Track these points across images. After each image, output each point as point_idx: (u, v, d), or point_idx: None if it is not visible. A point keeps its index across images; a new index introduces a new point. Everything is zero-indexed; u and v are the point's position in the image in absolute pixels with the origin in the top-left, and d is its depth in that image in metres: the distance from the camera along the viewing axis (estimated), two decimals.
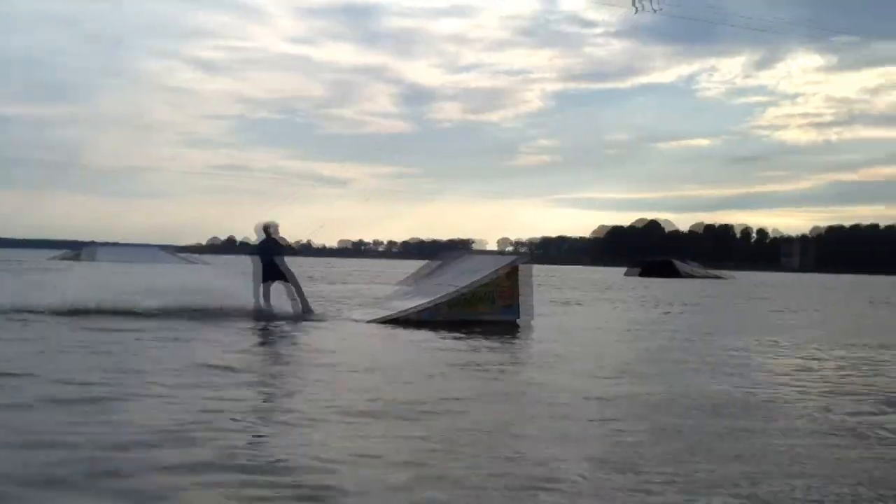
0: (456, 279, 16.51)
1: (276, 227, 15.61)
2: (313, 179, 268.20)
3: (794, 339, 14.50)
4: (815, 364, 10.79)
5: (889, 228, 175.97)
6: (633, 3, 24.86)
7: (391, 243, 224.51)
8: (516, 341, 13.63)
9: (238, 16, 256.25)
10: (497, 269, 16.00)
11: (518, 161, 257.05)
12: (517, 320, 15.66)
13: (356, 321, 14.96)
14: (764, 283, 61.91)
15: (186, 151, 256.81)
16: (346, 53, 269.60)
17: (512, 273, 16.00)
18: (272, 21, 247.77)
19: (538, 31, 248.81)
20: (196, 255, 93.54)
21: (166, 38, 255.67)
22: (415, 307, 15.41)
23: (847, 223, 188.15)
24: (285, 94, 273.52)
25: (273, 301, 15.37)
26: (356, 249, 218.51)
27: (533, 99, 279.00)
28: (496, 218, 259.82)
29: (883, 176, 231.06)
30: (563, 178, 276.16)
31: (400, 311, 15.26)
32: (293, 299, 15.50)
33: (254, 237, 16.24)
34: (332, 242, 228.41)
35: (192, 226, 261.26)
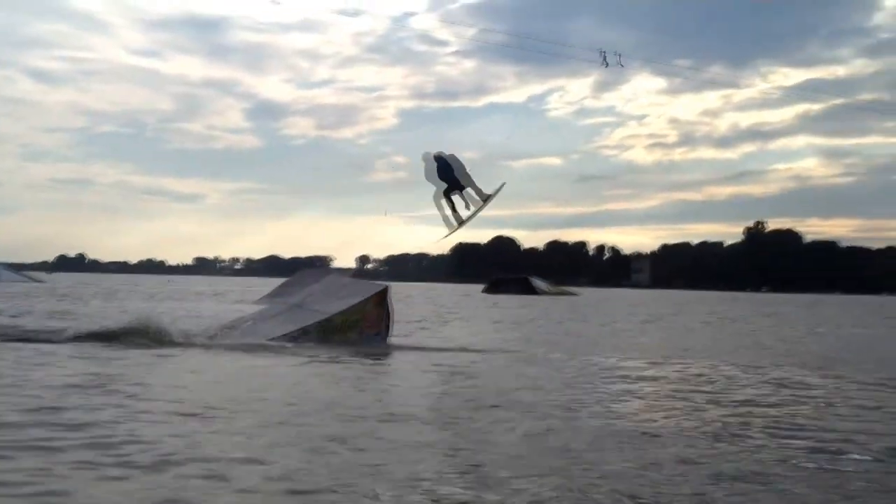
0: (322, 303, 16.59)
1: None
2: (161, 194, 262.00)
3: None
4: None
5: (732, 246, 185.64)
6: (604, 60, 27.33)
7: (248, 260, 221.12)
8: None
9: (77, 26, 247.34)
10: (366, 297, 16.20)
11: (373, 177, 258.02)
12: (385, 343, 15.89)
13: (211, 347, 14.30)
14: (607, 298, 64.76)
15: (28, 165, 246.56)
16: (194, 67, 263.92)
17: (380, 300, 16.25)
18: (115, 32, 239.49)
19: (390, 49, 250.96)
20: (42, 274, 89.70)
21: (2, 48, 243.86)
22: (285, 332, 15.26)
23: (694, 240, 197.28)
24: (131, 106, 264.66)
25: None
26: (211, 267, 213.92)
27: (386, 116, 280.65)
28: (353, 234, 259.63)
29: (724, 195, 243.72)
30: (418, 195, 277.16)
31: (269, 339, 14.95)
32: None
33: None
34: (186, 260, 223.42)
35: (38, 242, 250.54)
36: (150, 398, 8.63)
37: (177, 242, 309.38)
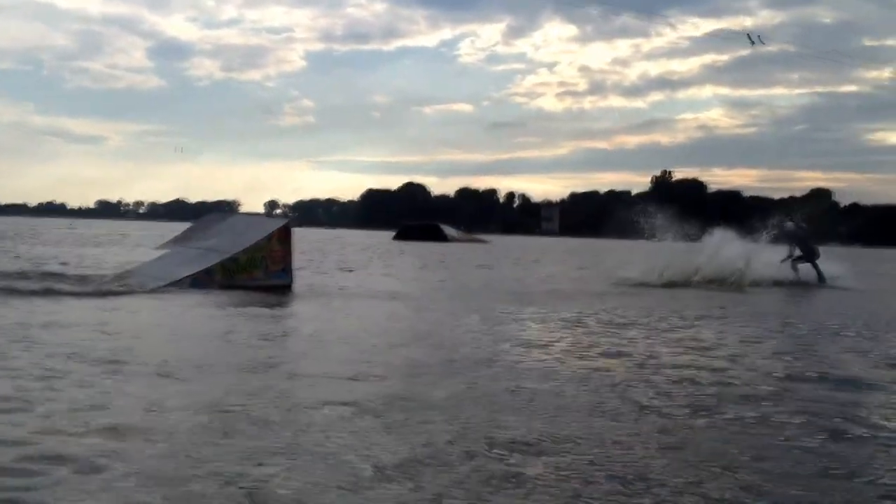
0: (225, 244, 16.10)
1: None
2: (61, 135, 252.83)
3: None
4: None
5: (639, 195, 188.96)
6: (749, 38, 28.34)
7: (153, 205, 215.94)
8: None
9: None
10: (269, 233, 15.81)
11: (281, 121, 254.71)
12: (290, 284, 15.64)
13: (120, 293, 13.27)
14: (520, 246, 65.37)
15: None
16: (93, 2, 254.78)
17: (283, 236, 15.90)
18: None
19: None
20: None
21: None
22: (186, 275, 14.66)
23: (603, 189, 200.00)
24: (26, 43, 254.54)
25: None
26: (115, 210, 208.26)
27: (295, 58, 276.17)
28: (261, 180, 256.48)
29: (633, 144, 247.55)
30: (328, 140, 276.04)
31: (171, 282, 14.30)
32: None
33: None
34: (88, 203, 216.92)
35: None
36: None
37: (78, 185, 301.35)
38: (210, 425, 4.87)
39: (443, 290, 17.34)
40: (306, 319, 11.41)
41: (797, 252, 23.02)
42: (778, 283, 21.45)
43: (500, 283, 20.09)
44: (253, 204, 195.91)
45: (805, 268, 22.88)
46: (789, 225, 23.61)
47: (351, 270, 22.78)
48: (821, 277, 22.68)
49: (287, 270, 15.80)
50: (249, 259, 15.40)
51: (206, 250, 16.19)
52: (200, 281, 14.55)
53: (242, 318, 10.76)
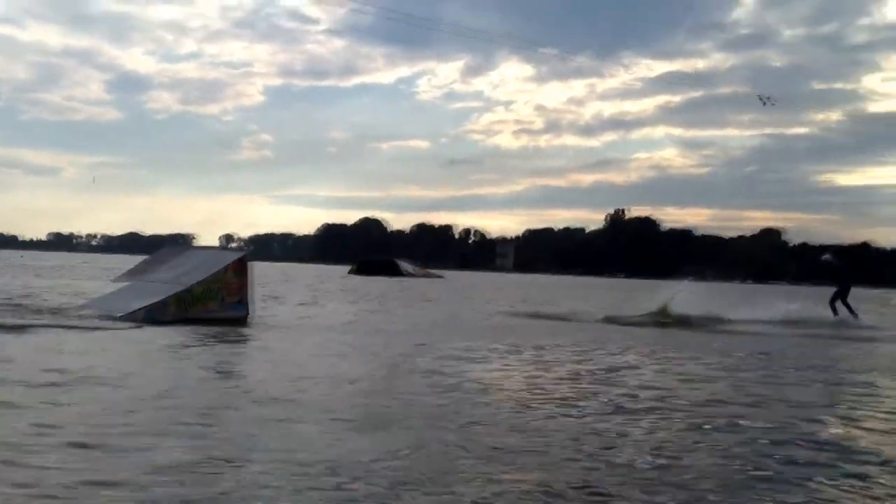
0: (181, 276, 16.09)
1: None
2: (16, 166, 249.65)
3: None
4: None
5: (594, 232, 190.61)
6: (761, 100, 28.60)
7: (107, 237, 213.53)
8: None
9: None
10: (225, 265, 15.90)
11: (239, 155, 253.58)
12: (246, 316, 15.70)
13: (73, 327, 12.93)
14: (473, 282, 65.71)
15: None
16: (53, 35, 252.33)
17: (239, 268, 15.97)
18: None
19: (258, 24, 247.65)
20: None
21: None
22: (141, 307, 14.62)
23: (558, 226, 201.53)
24: None
25: None
26: (67, 242, 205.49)
27: (254, 93, 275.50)
28: (217, 213, 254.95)
29: (587, 182, 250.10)
30: (285, 175, 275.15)
31: (126, 314, 14.32)
32: None
33: None
34: (41, 235, 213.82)
35: None
36: None
37: (31, 216, 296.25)
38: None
39: (393, 324, 17.52)
40: (259, 357, 11.52)
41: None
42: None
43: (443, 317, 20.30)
44: (209, 237, 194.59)
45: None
46: (827, 258, 22.63)
47: (305, 304, 22.86)
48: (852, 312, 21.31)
49: (243, 302, 15.85)
50: (205, 291, 15.43)
51: (161, 283, 16.14)
52: (155, 312, 14.51)
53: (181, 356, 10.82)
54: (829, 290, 21.79)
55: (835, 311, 21.39)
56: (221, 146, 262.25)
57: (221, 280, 15.65)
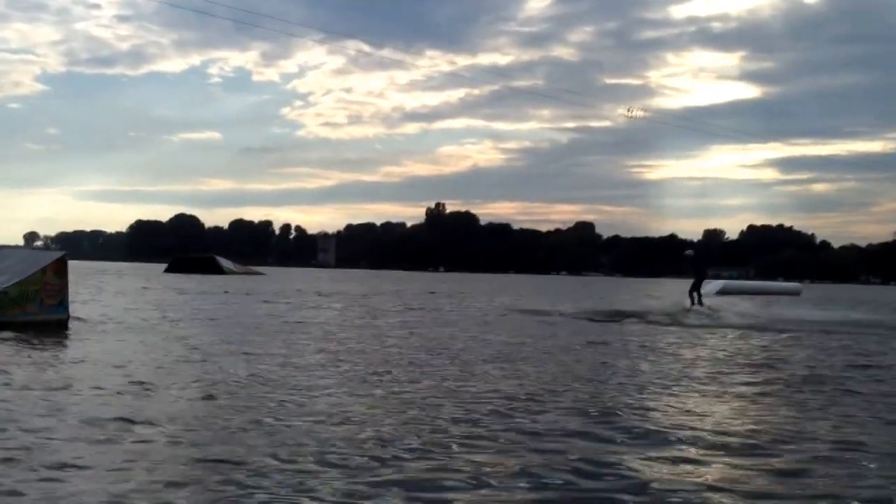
0: None
1: None
2: None
3: None
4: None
5: (415, 227, 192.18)
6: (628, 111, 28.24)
7: None
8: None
9: None
10: (44, 266, 15.12)
11: (23, 147, 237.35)
12: (67, 318, 15.09)
13: None
14: (292, 277, 65.37)
15: None
16: None
17: (60, 269, 15.28)
18: None
19: (38, 8, 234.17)
20: None
21: None
22: None
23: (379, 220, 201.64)
24: None
25: None
26: None
27: (35, 83, 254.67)
28: (12, 210, 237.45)
29: (397, 175, 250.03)
30: (80, 168, 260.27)
31: None
32: None
33: None
34: None
35: None
36: None
37: None
38: None
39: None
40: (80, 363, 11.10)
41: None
42: None
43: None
44: (8, 236, 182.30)
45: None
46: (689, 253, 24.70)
47: (124, 307, 22.08)
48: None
49: (64, 304, 15.24)
50: (21, 293, 14.66)
51: None
52: None
53: None
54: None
55: (693, 301, 23.04)
56: (2, 138, 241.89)
57: (40, 282, 14.91)
